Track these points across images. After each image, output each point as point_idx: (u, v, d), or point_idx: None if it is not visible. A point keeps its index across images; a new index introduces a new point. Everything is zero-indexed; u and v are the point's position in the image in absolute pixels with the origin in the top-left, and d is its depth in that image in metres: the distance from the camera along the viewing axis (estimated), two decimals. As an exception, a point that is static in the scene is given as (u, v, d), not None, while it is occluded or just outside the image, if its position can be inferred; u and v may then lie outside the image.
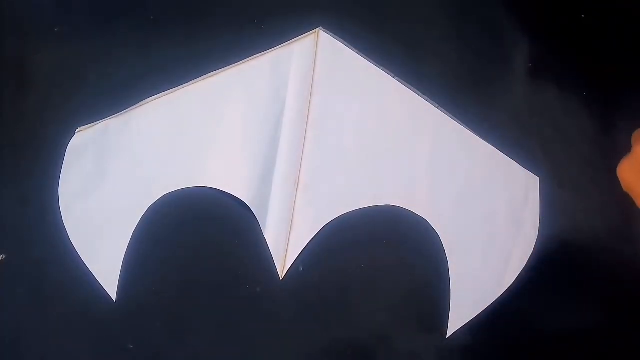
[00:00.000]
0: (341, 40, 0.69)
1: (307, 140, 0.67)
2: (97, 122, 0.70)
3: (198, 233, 0.66)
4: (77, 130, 0.70)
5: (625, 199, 0.52)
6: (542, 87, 0.67)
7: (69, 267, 0.66)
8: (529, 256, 0.62)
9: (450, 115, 0.66)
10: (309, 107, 0.67)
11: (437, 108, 0.66)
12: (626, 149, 0.51)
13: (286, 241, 0.64)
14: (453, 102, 0.67)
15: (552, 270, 0.63)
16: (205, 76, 0.70)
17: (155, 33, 0.72)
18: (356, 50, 0.69)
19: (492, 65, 0.69)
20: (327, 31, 0.69)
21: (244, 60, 0.70)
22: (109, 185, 0.68)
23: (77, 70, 0.72)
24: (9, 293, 0.66)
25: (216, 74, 0.70)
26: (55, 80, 0.72)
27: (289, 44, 0.70)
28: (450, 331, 0.60)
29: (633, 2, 0.69)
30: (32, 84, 0.72)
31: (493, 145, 0.66)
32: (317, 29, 0.69)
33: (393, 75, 0.67)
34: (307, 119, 0.67)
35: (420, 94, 0.67)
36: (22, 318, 0.65)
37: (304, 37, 0.70)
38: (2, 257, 0.66)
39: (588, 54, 0.68)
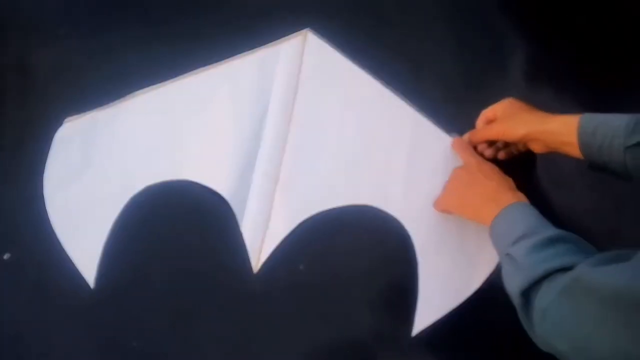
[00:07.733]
0: (329, 42, 0.70)
1: (289, 139, 0.67)
2: (85, 113, 0.71)
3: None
4: (65, 120, 0.71)
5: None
6: (542, 87, 0.67)
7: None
8: (497, 260, 0.62)
9: (433, 121, 0.66)
10: (293, 106, 0.68)
11: (418, 112, 0.67)
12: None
13: (262, 236, 0.64)
14: (453, 103, 0.67)
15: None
16: (193, 72, 0.71)
17: (156, 36, 0.73)
18: (343, 53, 0.69)
19: (491, 66, 0.69)
20: (316, 33, 0.70)
21: (231, 58, 0.71)
22: (93, 175, 0.69)
23: (78, 72, 0.73)
24: (12, 289, 0.67)
25: (203, 71, 0.71)
26: (56, 81, 0.73)
27: (277, 43, 0.71)
28: (415, 330, 0.60)
29: (633, 2, 0.69)
30: (33, 85, 0.74)
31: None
32: (305, 30, 0.70)
33: (377, 79, 0.68)
34: (291, 118, 0.68)
35: (405, 99, 0.67)
36: (25, 314, 0.66)
37: (292, 37, 0.71)
38: (7, 255, 0.67)
39: (587, 54, 0.68)
